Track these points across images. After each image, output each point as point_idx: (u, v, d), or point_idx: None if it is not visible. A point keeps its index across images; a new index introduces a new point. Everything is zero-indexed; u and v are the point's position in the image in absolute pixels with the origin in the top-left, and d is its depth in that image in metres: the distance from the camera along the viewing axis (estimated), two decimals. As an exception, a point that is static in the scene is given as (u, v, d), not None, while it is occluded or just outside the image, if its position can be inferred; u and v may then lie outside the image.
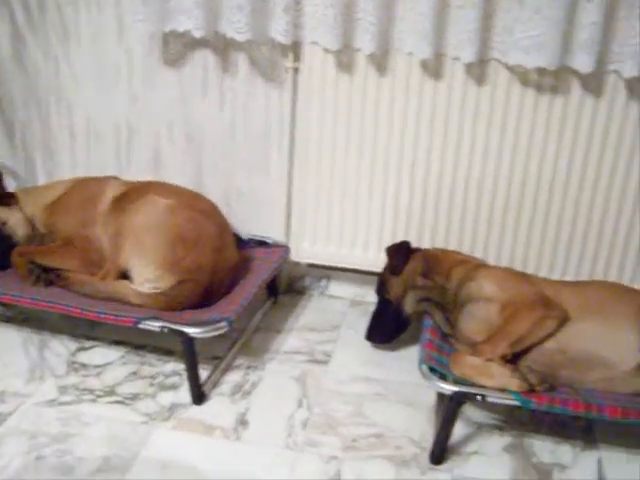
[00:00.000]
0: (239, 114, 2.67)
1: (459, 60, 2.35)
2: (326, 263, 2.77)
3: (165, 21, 2.47)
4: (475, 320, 2.13)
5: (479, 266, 2.31)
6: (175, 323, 2.12)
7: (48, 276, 2.39)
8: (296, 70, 2.53)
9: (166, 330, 2.11)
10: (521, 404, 1.89)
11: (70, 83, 2.77)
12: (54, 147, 2.89)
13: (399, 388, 2.30)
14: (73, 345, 2.44)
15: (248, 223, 2.80)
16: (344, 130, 2.55)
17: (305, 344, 2.53)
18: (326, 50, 2.42)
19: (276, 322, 2.67)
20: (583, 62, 2.24)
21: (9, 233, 2.55)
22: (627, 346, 1.99)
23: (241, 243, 2.67)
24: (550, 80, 2.35)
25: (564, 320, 2.04)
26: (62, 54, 2.73)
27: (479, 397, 1.90)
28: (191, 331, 2.09)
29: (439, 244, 2.61)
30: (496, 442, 2.08)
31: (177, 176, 2.78)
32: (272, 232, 2.79)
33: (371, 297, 2.61)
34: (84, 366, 2.33)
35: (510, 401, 1.90)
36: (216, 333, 2.11)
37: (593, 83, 2.34)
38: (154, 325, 2.12)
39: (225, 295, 2.37)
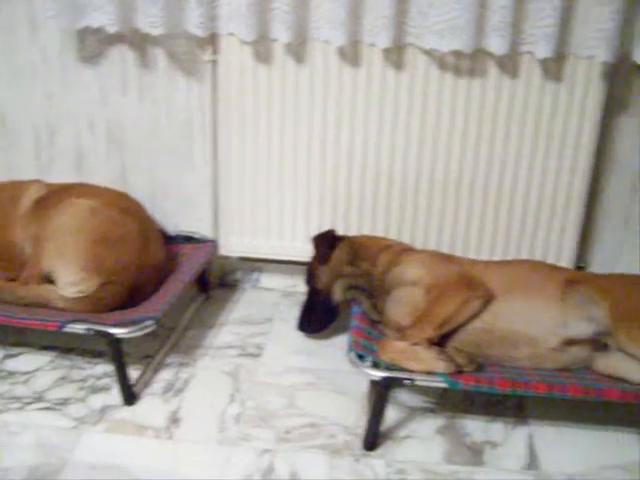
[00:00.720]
0: (160, 110, 2.64)
1: (375, 46, 2.36)
2: (256, 256, 2.75)
3: (78, 17, 2.41)
4: (401, 305, 2.14)
5: (404, 251, 2.32)
6: (100, 324, 2.07)
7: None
8: (215, 63, 2.50)
9: (92, 332, 2.06)
10: (449, 385, 1.91)
11: (-17, 83, 2.70)
12: (-30, 150, 2.81)
13: (332, 377, 2.30)
14: (-1, 353, 2.39)
15: (175, 219, 2.78)
16: (266, 121, 2.54)
17: (237, 338, 2.52)
18: (243, 41, 2.40)
19: (208, 317, 2.65)
20: (497, 44, 2.27)
21: None
22: (551, 323, 2.02)
23: (168, 240, 2.64)
24: (467, 63, 2.38)
25: (489, 299, 2.07)
26: (-27, 53, 2.65)
27: (407, 381, 1.91)
28: (117, 332, 2.05)
29: (366, 231, 2.62)
30: (429, 425, 2.09)
31: (100, 176, 2.73)
32: (199, 227, 2.76)
33: (303, 287, 2.60)
34: (11, 374, 2.27)
35: (438, 383, 1.91)
36: (142, 333, 2.07)
37: (509, 65, 2.37)
38: (79, 328, 2.07)
39: (153, 293, 2.34)
